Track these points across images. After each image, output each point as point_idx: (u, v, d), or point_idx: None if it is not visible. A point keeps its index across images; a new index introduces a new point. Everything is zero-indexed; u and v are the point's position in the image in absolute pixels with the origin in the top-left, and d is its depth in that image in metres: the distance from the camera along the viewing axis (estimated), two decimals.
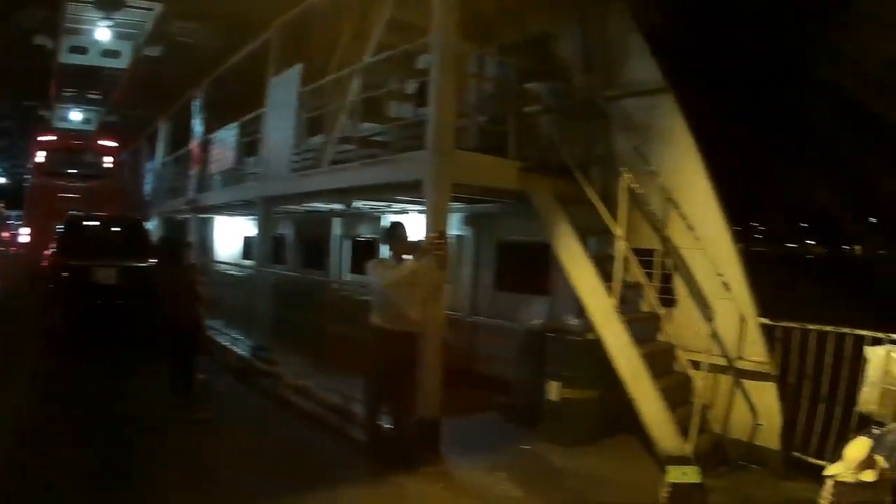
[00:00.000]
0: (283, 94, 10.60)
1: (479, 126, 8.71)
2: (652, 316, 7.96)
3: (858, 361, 6.71)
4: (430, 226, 6.96)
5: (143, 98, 17.81)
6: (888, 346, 6.54)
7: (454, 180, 7.25)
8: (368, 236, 12.70)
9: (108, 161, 22.71)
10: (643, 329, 7.95)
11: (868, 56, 10.56)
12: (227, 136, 13.48)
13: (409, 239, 7.07)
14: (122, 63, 15.79)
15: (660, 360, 7.75)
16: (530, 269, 9.59)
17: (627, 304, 8.10)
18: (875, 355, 6.52)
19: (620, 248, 7.57)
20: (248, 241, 16.96)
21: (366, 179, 8.45)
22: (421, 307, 6.78)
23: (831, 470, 5.42)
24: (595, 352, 7.66)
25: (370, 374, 7.10)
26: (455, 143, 7.43)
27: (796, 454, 7.57)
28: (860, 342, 6.85)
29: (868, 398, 6.51)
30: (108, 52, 15.51)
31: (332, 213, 12.82)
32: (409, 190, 7.76)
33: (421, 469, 6.64)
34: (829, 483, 5.44)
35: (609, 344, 7.55)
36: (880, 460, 5.44)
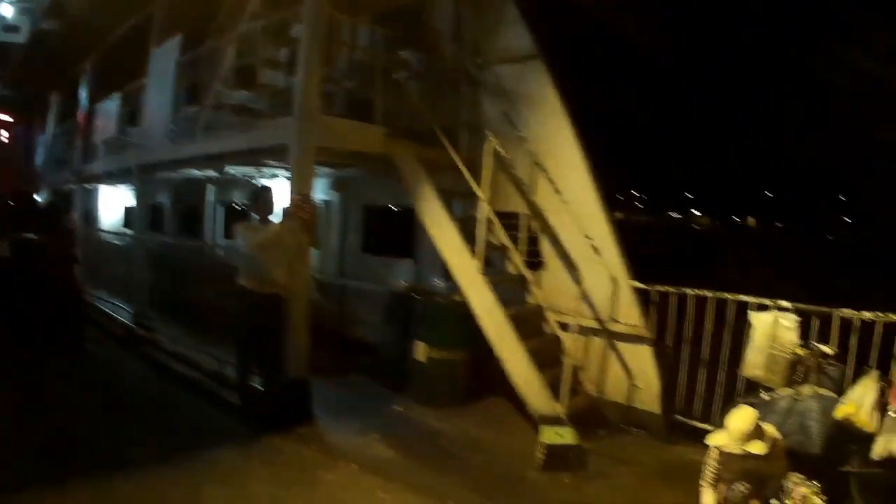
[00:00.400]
0: (163, 64, 10.57)
1: (348, 93, 8.72)
2: (519, 278, 8.03)
3: (742, 327, 6.81)
4: (295, 189, 6.95)
5: (37, 72, 17.33)
6: (776, 313, 6.67)
7: (319, 144, 7.21)
8: (241, 202, 12.56)
9: (3, 136, 22.20)
10: (512, 291, 8.05)
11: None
12: (110, 107, 13.40)
13: (275, 203, 7.10)
14: (21, 38, 15.30)
15: (528, 322, 7.81)
16: (397, 232, 9.66)
17: (494, 267, 8.20)
18: (760, 321, 6.64)
19: (483, 210, 7.62)
20: (128, 210, 16.53)
21: (236, 145, 8.40)
22: (286, 269, 6.78)
23: (714, 440, 5.42)
24: (461, 313, 7.72)
25: (240, 337, 7.13)
26: (323, 108, 7.43)
27: (679, 418, 7.68)
28: (744, 308, 6.96)
29: (754, 363, 6.62)
30: (9, 28, 15.05)
31: (207, 179, 12.64)
32: (276, 155, 7.73)
33: (294, 430, 6.65)
34: (714, 452, 5.44)
35: (474, 305, 7.62)
36: (770, 429, 5.48)
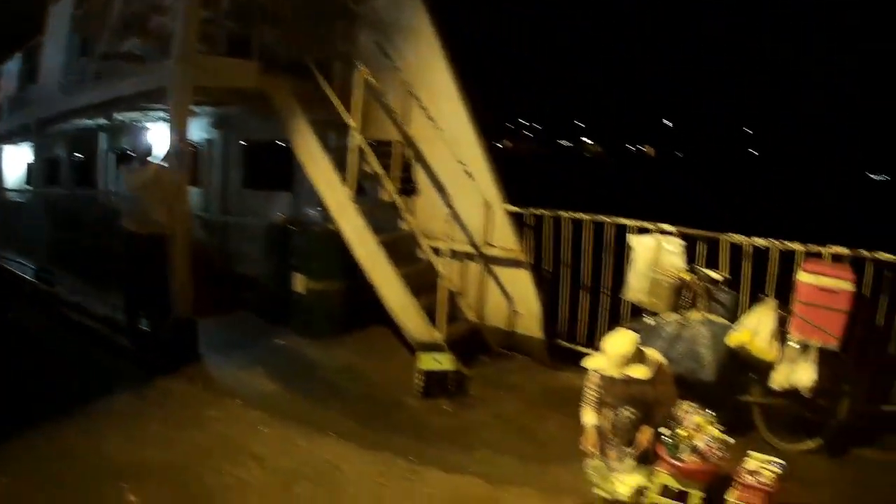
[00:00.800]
0: (60, 20, 10.47)
1: (230, 33, 8.49)
2: (392, 205, 8.03)
3: (623, 250, 6.87)
4: (174, 130, 6.89)
5: None
6: (658, 237, 6.66)
7: (196, 84, 7.15)
8: (129, 148, 12.32)
9: None
10: (386, 219, 8.12)
11: None
12: (13, 66, 13.29)
13: (153, 145, 7.09)
14: None
15: (403, 249, 7.92)
16: (276, 166, 9.65)
17: (368, 195, 8.26)
18: (641, 245, 6.64)
19: (355, 139, 7.63)
20: (28, 167, 16.25)
21: (122, 91, 8.27)
22: (166, 209, 6.75)
23: (591, 363, 5.25)
24: (336, 243, 7.76)
25: (126, 280, 7.13)
26: (206, 50, 7.45)
27: (562, 343, 7.75)
28: (625, 232, 6.99)
29: (635, 287, 6.65)
30: None
31: (99, 128, 12.51)
32: (158, 98, 7.60)
33: (182, 371, 6.67)
34: (593, 376, 5.35)
35: (346, 233, 7.68)
36: (654, 355, 5.39)
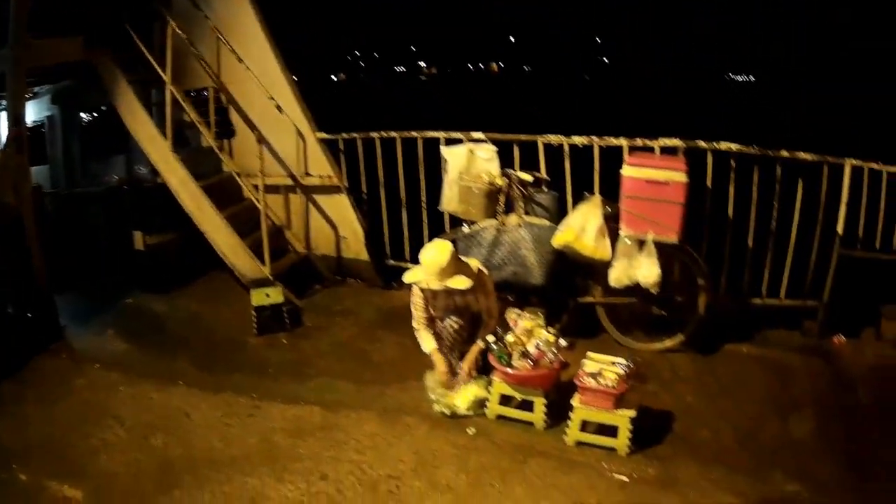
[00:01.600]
0: None
1: (53, 9, 8.15)
2: (210, 150, 8.26)
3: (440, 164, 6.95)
4: (11, 113, 7.05)
5: None
6: (469, 145, 6.73)
7: (29, 65, 7.27)
8: None
9: None
10: (210, 164, 8.43)
11: None
12: None
13: None
14: None
15: (227, 191, 8.22)
16: (110, 132, 9.83)
17: (191, 144, 8.59)
18: (453, 155, 6.73)
19: (168, 91, 7.82)
20: None
21: None
22: (11, 189, 6.95)
23: (410, 277, 5.35)
24: (166, 195, 8.04)
25: None
26: (42, 32, 7.44)
27: (391, 262, 8.28)
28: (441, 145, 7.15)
29: (449, 197, 6.74)
30: None
31: None
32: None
33: (49, 346, 6.78)
34: (416, 291, 5.51)
35: (171, 184, 7.94)
36: (474, 263, 5.50)
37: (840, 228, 6.49)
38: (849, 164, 6.39)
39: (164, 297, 8.03)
